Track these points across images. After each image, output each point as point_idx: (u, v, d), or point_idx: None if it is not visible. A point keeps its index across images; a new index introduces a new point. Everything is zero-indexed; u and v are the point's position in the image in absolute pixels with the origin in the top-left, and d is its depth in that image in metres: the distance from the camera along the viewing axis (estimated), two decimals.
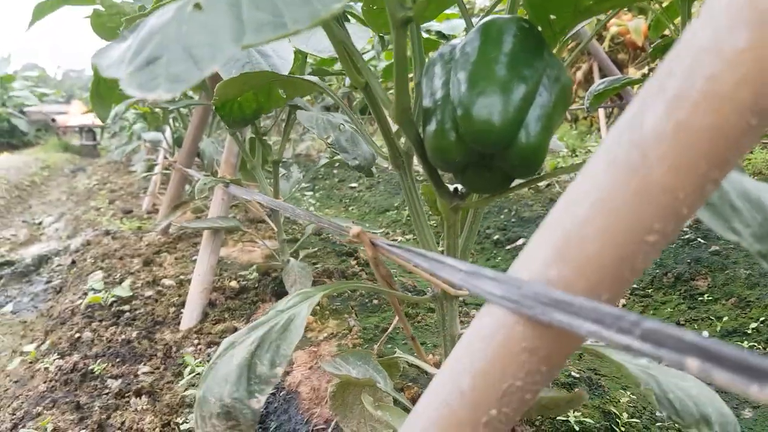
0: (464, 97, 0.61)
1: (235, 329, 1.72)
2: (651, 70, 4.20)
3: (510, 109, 0.59)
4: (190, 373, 1.40)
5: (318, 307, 1.59)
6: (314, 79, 0.94)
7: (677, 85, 0.39)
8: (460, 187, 0.74)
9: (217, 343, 1.65)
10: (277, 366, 0.63)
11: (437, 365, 1.12)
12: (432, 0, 0.63)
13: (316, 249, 2.41)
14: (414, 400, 1.11)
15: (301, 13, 0.45)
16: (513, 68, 0.61)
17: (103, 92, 2.09)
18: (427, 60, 0.71)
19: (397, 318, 0.91)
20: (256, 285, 2.08)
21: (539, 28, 0.67)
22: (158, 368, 1.54)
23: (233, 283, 2.11)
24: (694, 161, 0.40)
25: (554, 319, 0.43)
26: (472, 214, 0.80)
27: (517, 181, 0.68)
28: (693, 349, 0.37)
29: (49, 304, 2.52)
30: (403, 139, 0.81)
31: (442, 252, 0.79)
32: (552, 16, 0.69)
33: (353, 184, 4.80)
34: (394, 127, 0.79)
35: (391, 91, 0.78)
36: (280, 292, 1.96)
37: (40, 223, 4.66)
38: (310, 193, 4.76)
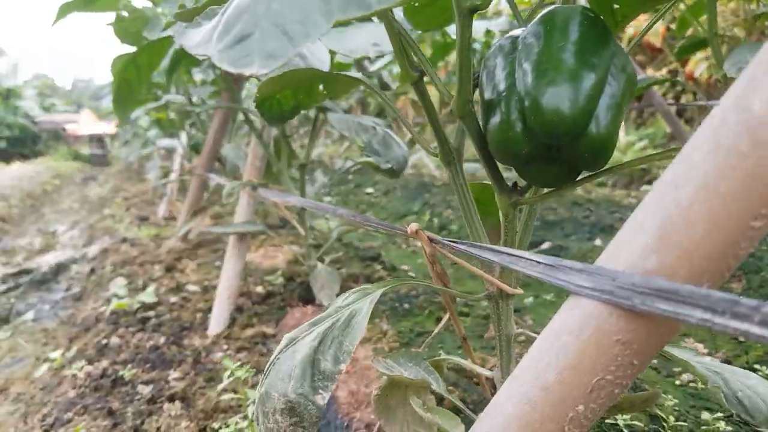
0: (532, 87, 0.59)
1: (265, 334, 1.70)
2: (670, 71, 4.18)
3: (581, 99, 0.58)
4: (229, 377, 1.38)
5: None
6: (358, 75, 0.93)
7: None
8: (519, 181, 0.72)
9: (247, 349, 1.63)
10: (340, 362, 0.62)
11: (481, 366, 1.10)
12: None
13: (340, 254, 2.39)
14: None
15: None
16: (581, 57, 0.59)
17: (125, 96, 2.12)
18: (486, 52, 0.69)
19: (446, 316, 0.90)
20: (282, 290, 2.06)
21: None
22: (188, 374, 1.52)
23: (259, 288, 2.10)
24: None
25: (657, 309, 0.41)
26: (527, 211, 0.78)
27: (582, 175, 0.66)
28: None
29: (70, 312, 2.51)
30: (452, 133, 0.79)
31: None
32: (615, 5, 0.68)
33: (369, 189, 4.77)
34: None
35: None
36: (307, 297, 1.94)
37: (54, 232, 4.66)
38: (328, 198, 4.75)
